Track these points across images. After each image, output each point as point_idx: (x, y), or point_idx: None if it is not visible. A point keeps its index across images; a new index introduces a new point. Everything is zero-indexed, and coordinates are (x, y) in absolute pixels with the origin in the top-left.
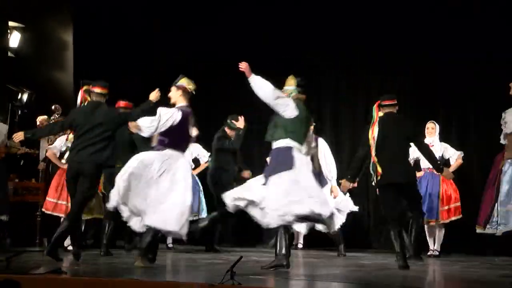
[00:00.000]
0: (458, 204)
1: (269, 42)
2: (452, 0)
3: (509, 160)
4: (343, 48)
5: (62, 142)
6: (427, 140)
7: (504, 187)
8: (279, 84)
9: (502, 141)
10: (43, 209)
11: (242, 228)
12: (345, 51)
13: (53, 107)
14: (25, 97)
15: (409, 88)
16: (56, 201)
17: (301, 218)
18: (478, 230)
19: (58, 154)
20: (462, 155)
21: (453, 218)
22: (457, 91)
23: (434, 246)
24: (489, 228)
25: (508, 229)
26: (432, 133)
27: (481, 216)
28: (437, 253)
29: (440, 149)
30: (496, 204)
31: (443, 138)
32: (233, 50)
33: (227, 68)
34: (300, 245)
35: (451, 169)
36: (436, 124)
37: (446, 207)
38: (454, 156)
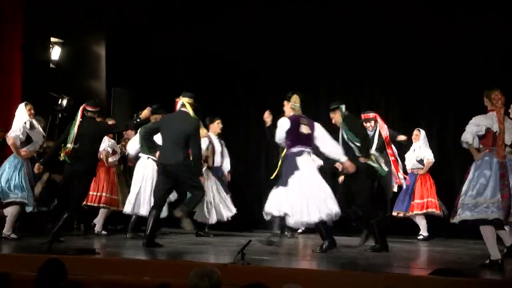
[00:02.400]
0: (432, 199)
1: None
2: (434, 13)
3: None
4: (337, 60)
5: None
6: (413, 145)
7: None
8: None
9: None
10: (85, 202)
11: (250, 215)
12: (339, 63)
13: None
14: (64, 102)
15: (396, 102)
16: (92, 193)
17: None
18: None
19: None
20: (432, 160)
21: (425, 211)
22: (437, 100)
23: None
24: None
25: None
26: (416, 139)
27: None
28: (423, 237)
29: (423, 152)
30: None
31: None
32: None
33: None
34: (300, 230)
35: (424, 170)
36: (421, 131)
37: (419, 201)
38: (425, 159)
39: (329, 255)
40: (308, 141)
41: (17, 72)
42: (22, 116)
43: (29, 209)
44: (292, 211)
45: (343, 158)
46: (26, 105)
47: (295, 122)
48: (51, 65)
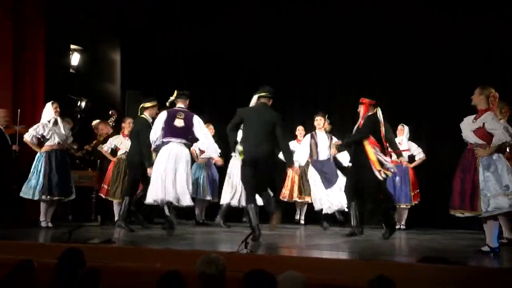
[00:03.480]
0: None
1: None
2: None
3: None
4: (337, 61)
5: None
6: (397, 139)
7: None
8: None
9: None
10: (100, 194)
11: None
12: (339, 63)
13: (110, 112)
14: (83, 104)
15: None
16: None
17: None
18: (452, 213)
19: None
20: (424, 157)
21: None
22: (432, 100)
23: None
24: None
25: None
26: (400, 133)
27: (455, 200)
28: (403, 227)
29: (407, 146)
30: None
31: (415, 137)
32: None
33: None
34: (302, 222)
35: (414, 164)
36: (405, 126)
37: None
38: (418, 156)
39: (324, 243)
40: (182, 133)
41: (40, 76)
42: (48, 114)
43: (43, 197)
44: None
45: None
46: (52, 103)
47: (170, 116)
48: (71, 70)
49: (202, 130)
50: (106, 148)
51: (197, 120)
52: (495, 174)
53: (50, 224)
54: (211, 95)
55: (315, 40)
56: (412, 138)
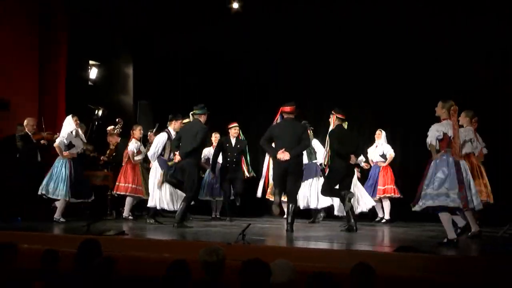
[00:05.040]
0: (393, 186)
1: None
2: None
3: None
4: (337, 61)
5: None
6: (376, 142)
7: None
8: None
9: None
10: (114, 191)
11: (250, 204)
12: (339, 64)
13: (117, 119)
14: (100, 113)
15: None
16: (121, 184)
17: None
18: (413, 208)
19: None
20: (393, 155)
21: (387, 195)
22: (402, 108)
23: (383, 214)
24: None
25: (425, 205)
26: (378, 137)
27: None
28: (385, 220)
29: (384, 149)
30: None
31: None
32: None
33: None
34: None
35: (387, 162)
36: (382, 131)
37: (382, 187)
38: (388, 154)
39: (312, 235)
40: None
41: (62, 88)
42: (70, 125)
43: (72, 200)
44: None
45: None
46: (72, 116)
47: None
48: (89, 83)
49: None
50: (137, 159)
51: None
52: (433, 174)
53: (62, 219)
54: (211, 95)
55: (315, 41)
56: (388, 141)
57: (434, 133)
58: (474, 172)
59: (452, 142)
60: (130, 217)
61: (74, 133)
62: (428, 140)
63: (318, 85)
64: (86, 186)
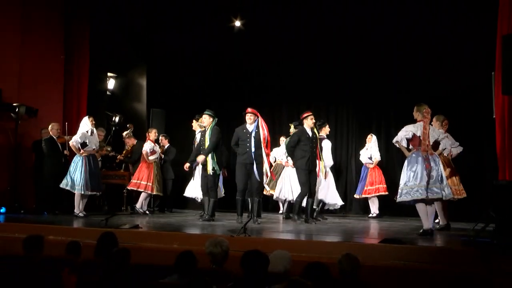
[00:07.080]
0: (382, 185)
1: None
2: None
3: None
4: (337, 63)
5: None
6: (366, 145)
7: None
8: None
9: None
10: (128, 187)
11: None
12: (339, 65)
13: (127, 125)
14: (117, 119)
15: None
16: (136, 181)
17: None
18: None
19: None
20: (379, 159)
21: (377, 194)
22: (385, 113)
23: (373, 210)
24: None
25: (402, 200)
26: (369, 141)
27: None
28: (375, 214)
29: (372, 152)
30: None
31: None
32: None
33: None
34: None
35: (373, 164)
36: (373, 135)
37: (371, 187)
38: (374, 158)
39: (303, 229)
40: None
41: (84, 97)
42: (86, 125)
43: (87, 192)
44: None
45: None
46: (89, 117)
47: None
48: (108, 92)
49: None
50: (151, 158)
51: None
52: (407, 171)
53: (83, 213)
54: (212, 95)
55: (315, 43)
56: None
57: (403, 133)
58: (445, 168)
59: (422, 140)
60: (145, 211)
61: (89, 132)
62: (394, 138)
63: (318, 86)
64: (98, 178)
